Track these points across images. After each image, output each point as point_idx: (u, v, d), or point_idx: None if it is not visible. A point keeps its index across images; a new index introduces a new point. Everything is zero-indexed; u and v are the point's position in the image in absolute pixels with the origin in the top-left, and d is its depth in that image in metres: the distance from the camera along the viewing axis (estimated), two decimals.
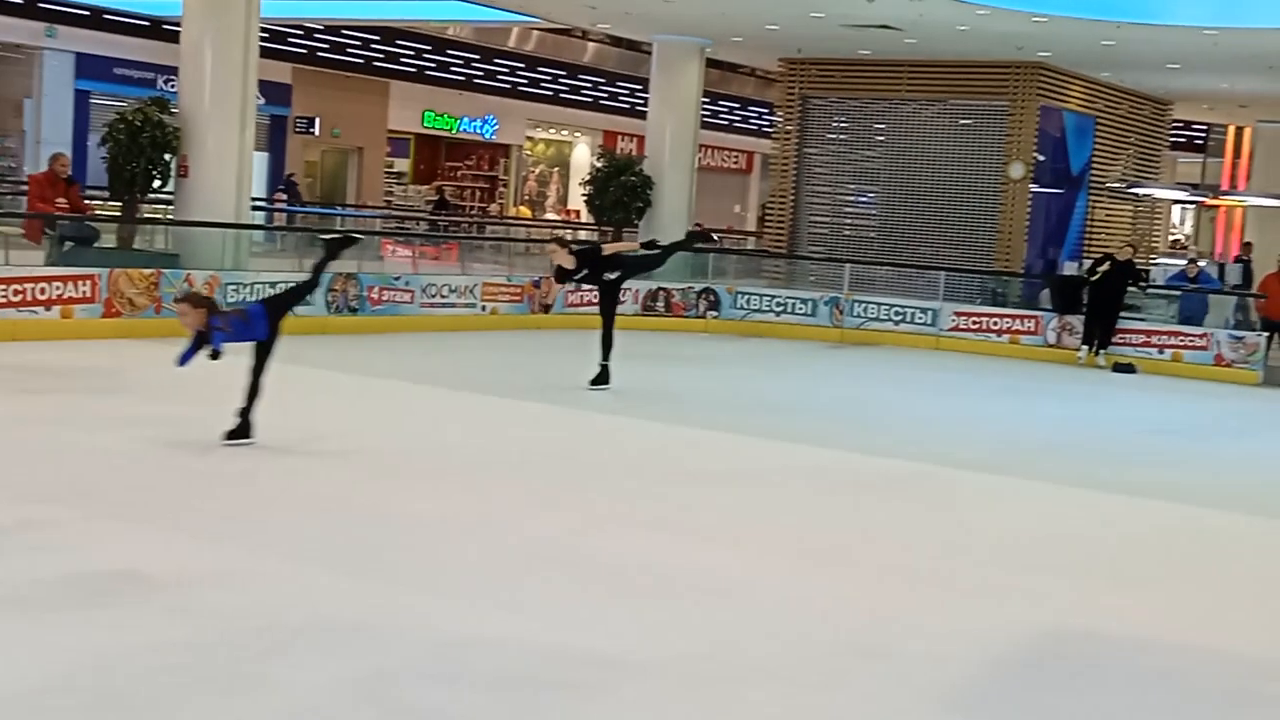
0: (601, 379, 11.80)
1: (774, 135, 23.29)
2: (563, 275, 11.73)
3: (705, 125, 22.18)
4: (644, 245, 12.93)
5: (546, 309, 17.07)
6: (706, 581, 6.06)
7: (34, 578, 5.31)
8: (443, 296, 16.04)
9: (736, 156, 40.02)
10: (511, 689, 4.53)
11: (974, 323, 18.05)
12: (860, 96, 21.18)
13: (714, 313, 18.55)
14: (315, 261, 9.24)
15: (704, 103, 21.39)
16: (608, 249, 12.16)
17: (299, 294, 8.79)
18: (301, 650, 4.75)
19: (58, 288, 12.50)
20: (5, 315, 11.97)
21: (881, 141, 21.18)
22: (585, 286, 13.38)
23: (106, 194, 16.18)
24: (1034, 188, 20.24)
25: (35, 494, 6.67)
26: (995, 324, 17.99)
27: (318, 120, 29.10)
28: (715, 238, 10.70)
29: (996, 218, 20.03)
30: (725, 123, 35.71)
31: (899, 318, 18.28)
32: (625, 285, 12.39)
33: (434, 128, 32.59)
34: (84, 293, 12.65)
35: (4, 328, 11.82)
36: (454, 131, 32.98)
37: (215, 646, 4.73)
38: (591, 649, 4.97)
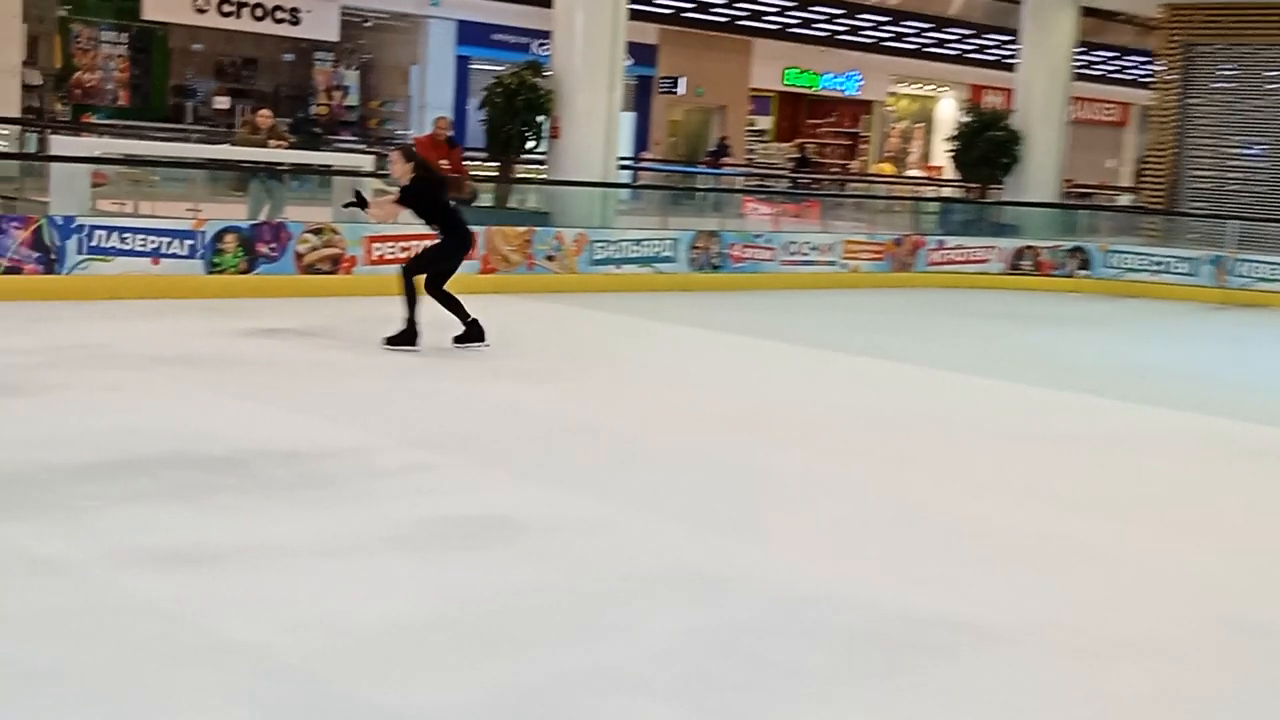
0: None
1: (1153, 85, 22.16)
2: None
3: (1077, 76, 21.26)
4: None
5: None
6: (1069, 548, 5.86)
7: (416, 518, 5.64)
8: (804, 254, 16.04)
9: (1111, 109, 38.25)
10: (865, 647, 4.51)
11: None
12: (1251, 42, 19.84)
13: (1085, 272, 17.83)
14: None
15: (1077, 53, 20.52)
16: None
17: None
18: (659, 599, 4.86)
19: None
20: (395, 271, 12.70)
21: (1273, 90, 19.79)
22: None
23: (484, 155, 16.94)
24: None
25: (420, 440, 7.07)
26: None
27: (683, 80, 29.53)
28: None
29: None
30: (1099, 73, 34.15)
31: None
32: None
33: (795, 85, 32.54)
34: None
35: (394, 283, 12.53)
36: (815, 88, 32.84)
37: (576, 591, 4.90)
38: (947, 611, 4.88)
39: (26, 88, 21.66)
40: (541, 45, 19.99)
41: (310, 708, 3.80)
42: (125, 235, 11.35)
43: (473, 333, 9.72)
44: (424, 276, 9.70)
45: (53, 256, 11.02)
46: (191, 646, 4.15)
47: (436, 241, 9.95)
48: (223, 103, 24.68)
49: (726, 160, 27.95)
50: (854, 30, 30.82)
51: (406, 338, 9.51)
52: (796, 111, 34.10)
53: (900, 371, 10.51)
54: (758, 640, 4.51)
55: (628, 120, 26.16)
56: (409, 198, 9.68)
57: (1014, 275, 17.53)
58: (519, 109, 14.88)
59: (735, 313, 13.29)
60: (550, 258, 13.95)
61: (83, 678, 3.87)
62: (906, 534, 5.96)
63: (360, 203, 9.94)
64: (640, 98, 28.98)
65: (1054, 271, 17.81)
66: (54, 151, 13.32)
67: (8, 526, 5.17)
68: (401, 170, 9.66)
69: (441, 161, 15.51)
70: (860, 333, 12.54)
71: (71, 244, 11.09)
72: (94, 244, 11.20)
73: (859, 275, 16.50)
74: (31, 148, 17.88)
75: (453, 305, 9.70)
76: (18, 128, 19.78)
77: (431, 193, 9.70)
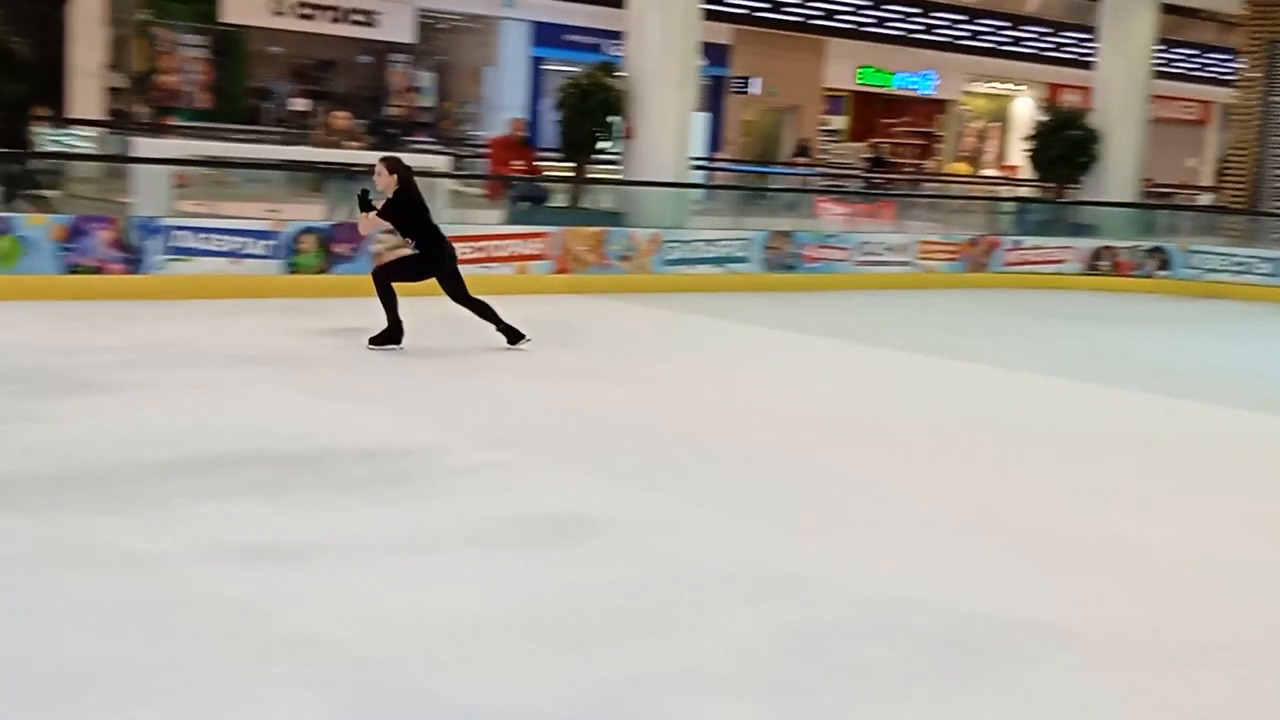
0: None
1: (1235, 83, 21.80)
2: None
3: (1157, 74, 20.98)
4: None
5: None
6: (1148, 551, 5.79)
7: (492, 516, 5.68)
8: (878, 254, 15.96)
9: (1191, 107, 37.67)
10: (947, 649, 4.49)
11: None
12: None
13: (1164, 272, 17.59)
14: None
15: (1156, 50, 20.25)
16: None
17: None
18: (736, 599, 4.86)
19: (515, 245, 13.28)
20: (469, 271, 12.79)
21: None
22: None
23: (556, 156, 17.00)
24: None
25: (494, 439, 7.12)
26: None
27: (758, 80, 29.48)
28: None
29: None
30: (1180, 71, 33.66)
31: None
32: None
33: (868, 84, 32.38)
34: (538, 250, 13.38)
35: (468, 283, 12.63)
36: (888, 87, 32.65)
37: (651, 590, 4.91)
38: (1029, 614, 4.84)
39: (110, 90, 22.02)
40: (612, 46, 20.02)
41: (389, 703, 3.84)
42: (206, 236, 11.52)
43: (392, 334, 9.40)
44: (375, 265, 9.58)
45: (135, 257, 11.21)
46: (272, 640, 4.21)
47: (412, 255, 9.67)
48: (301, 104, 24.96)
49: (802, 160, 27.90)
50: (929, 29, 30.60)
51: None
52: (871, 111, 33.91)
53: (975, 372, 10.43)
54: (834, 641, 4.50)
55: (701, 121, 26.16)
56: (389, 211, 9.43)
57: (1092, 276, 17.33)
58: (593, 109, 14.93)
59: (808, 313, 13.25)
60: (624, 258, 13.98)
61: (168, 670, 3.94)
62: (981, 536, 5.91)
63: (365, 205, 9.47)
64: (714, 98, 28.95)
65: (1133, 272, 17.58)
66: (136, 153, 13.53)
67: (95, 520, 5.27)
68: (386, 181, 9.39)
69: (516, 162, 15.65)
70: (935, 333, 12.46)
71: (153, 244, 11.28)
72: (175, 244, 11.38)
73: (933, 276, 16.38)
74: (115, 150, 18.17)
75: (389, 302, 9.41)
76: (101, 130, 20.11)
77: (413, 207, 9.48)
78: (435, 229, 9.67)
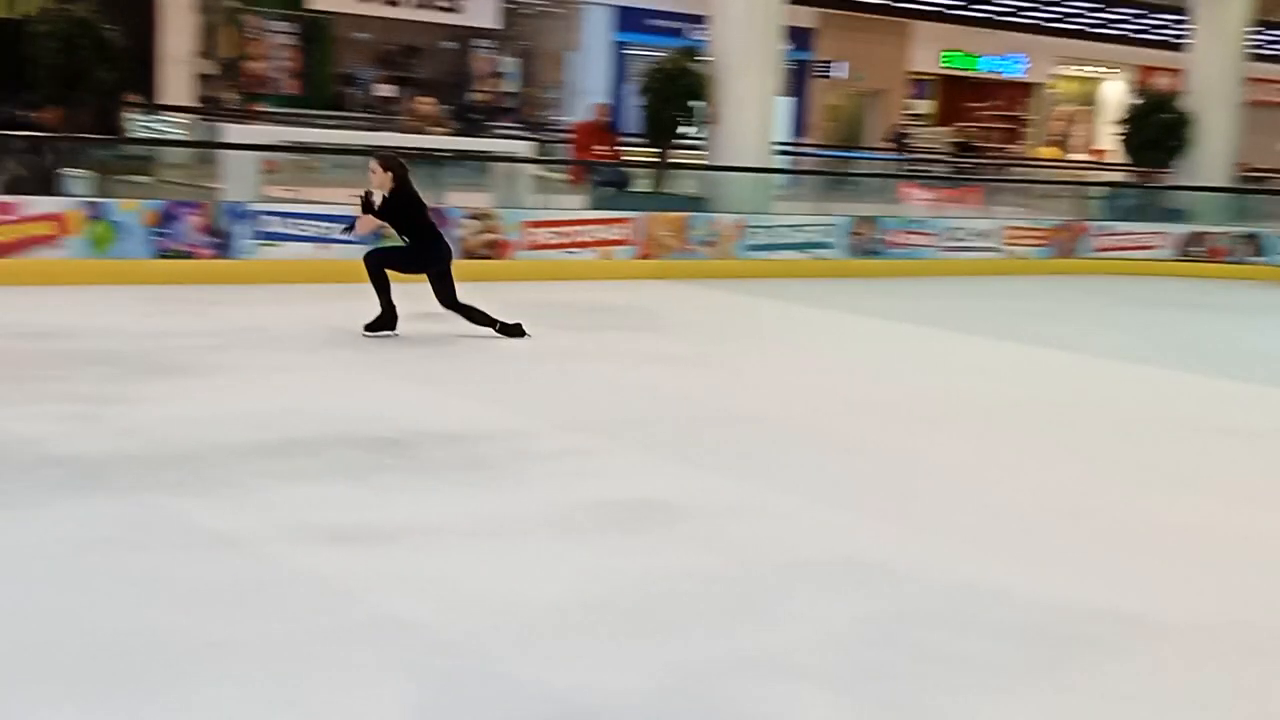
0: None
1: None
2: None
3: (1252, 57, 20.52)
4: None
5: None
6: (1243, 542, 5.68)
7: (575, 501, 5.69)
8: (964, 240, 15.79)
9: None
10: (1032, 640, 4.43)
11: None
12: None
13: (1258, 258, 17.24)
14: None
15: (1251, 32, 19.81)
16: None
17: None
18: (819, 586, 4.83)
19: (598, 230, 13.30)
20: (552, 256, 12.87)
21: None
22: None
23: (639, 141, 16.99)
24: None
25: (577, 424, 7.13)
26: None
27: (843, 64, 29.27)
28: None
29: None
30: (1274, 53, 32.92)
31: None
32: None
33: (954, 67, 32.04)
34: (621, 235, 13.39)
35: (551, 268, 12.72)
36: (975, 71, 32.29)
37: (735, 577, 4.89)
38: (1116, 605, 4.76)
39: (200, 77, 22.33)
40: (697, 30, 19.96)
41: (475, 685, 3.86)
42: (293, 221, 11.65)
43: (385, 320, 9.25)
44: (368, 249, 9.49)
45: (224, 242, 11.37)
46: (357, 622, 4.25)
47: (405, 247, 9.41)
48: (386, 90, 25.16)
49: (895, 148, 27.73)
50: (1017, 11, 30.20)
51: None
52: (957, 95, 33.55)
53: (1063, 359, 10.29)
54: (921, 630, 4.45)
55: (785, 106, 26.03)
56: (386, 210, 9.24)
57: (1184, 262, 17.04)
58: (676, 94, 14.90)
59: (892, 299, 13.14)
60: (707, 243, 13.95)
61: (255, 650, 3.98)
62: (1071, 525, 5.83)
63: (367, 207, 9.27)
64: (797, 83, 28.79)
65: (1226, 258, 17.26)
66: (225, 139, 13.71)
67: (183, 502, 5.35)
68: (381, 179, 9.19)
69: (599, 147, 15.66)
70: (1021, 319, 12.31)
71: (242, 229, 11.42)
72: (263, 229, 11.52)
73: (1021, 262, 16.19)
74: (204, 136, 18.42)
75: (381, 288, 9.23)
76: (191, 116, 20.41)
77: (410, 205, 9.30)
78: (433, 227, 9.47)
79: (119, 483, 5.58)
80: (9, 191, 11.11)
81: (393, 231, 9.52)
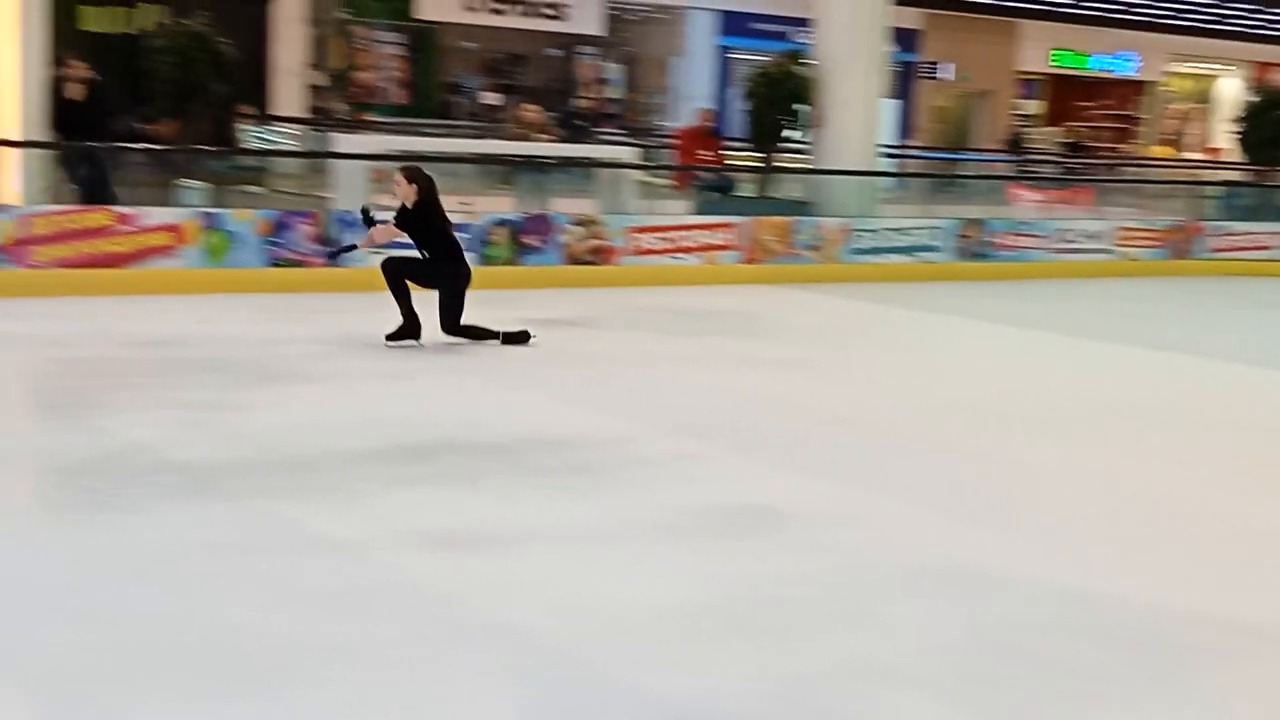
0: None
1: None
2: None
3: None
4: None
5: None
6: None
7: (682, 506, 5.68)
8: (1074, 241, 15.54)
9: None
10: (1140, 647, 4.34)
11: None
12: None
13: None
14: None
15: None
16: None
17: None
18: (925, 592, 4.78)
19: (703, 235, 13.29)
20: (657, 261, 12.88)
21: None
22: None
23: (744, 145, 16.96)
24: None
25: (683, 429, 7.13)
26: None
27: (949, 65, 28.98)
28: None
29: None
30: None
31: None
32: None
33: (1061, 66, 31.56)
34: (726, 240, 13.37)
35: (656, 273, 12.73)
36: (1085, 69, 31.77)
37: (842, 583, 4.86)
38: (1226, 613, 4.65)
39: (310, 88, 22.70)
40: (801, 33, 19.88)
41: (583, 690, 3.87)
42: None
43: (408, 329, 9.08)
44: (386, 256, 9.34)
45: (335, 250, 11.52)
46: (469, 626, 4.29)
47: (421, 260, 9.21)
48: (492, 98, 25.37)
49: (1011, 152, 27.40)
50: (1128, 8, 29.65)
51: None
52: (1066, 94, 33.03)
53: (1177, 363, 10.08)
54: (1027, 637, 4.39)
55: (891, 108, 25.82)
56: (407, 220, 9.09)
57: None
58: (781, 98, 14.85)
59: (1001, 302, 12.97)
60: (812, 247, 13.88)
61: (367, 654, 4.03)
62: (1181, 532, 5.71)
63: (369, 222, 9.25)
64: (903, 84, 28.51)
65: None
66: (336, 149, 13.92)
67: (295, 507, 5.44)
68: (405, 191, 9.06)
69: (704, 152, 15.66)
70: (1134, 322, 12.08)
71: (352, 238, 11.56)
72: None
73: (1134, 263, 15.89)
74: (315, 146, 18.72)
75: (401, 296, 9.09)
76: (302, 127, 20.75)
77: (432, 218, 9.14)
78: (454, 243, 9.29)
79: (232, 487, 5.69)
80: (128, 203, 11.37)
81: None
